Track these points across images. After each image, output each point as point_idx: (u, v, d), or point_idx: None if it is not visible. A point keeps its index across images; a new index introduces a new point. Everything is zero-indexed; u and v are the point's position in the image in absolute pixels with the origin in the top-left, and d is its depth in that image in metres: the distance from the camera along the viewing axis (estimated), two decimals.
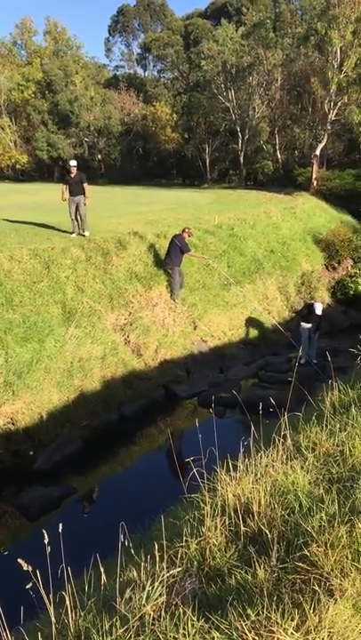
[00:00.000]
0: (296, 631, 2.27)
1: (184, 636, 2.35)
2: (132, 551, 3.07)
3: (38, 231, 12.97)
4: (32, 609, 2.92)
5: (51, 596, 2.59)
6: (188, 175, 39.10)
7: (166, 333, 11.63)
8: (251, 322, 13.79)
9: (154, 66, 48.78)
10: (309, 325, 11.97)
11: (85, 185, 12.36)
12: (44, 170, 40.46)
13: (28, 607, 2.81)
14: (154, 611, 2.54)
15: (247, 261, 15.48)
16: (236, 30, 30.20)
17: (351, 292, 17.23)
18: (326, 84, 23.35)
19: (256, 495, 3.28)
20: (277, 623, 2.28)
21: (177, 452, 7.72)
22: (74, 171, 12.25)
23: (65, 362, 9.49)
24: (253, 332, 13.62)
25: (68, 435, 8.66)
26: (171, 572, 2.73)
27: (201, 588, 2.76)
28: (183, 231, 12.54)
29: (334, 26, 21.63)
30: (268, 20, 28.25)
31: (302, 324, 12.13)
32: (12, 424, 8.33)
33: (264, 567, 2.73)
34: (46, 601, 2.57)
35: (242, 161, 31.32)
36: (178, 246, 12.16)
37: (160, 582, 2.65)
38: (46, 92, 37.83)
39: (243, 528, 3.12)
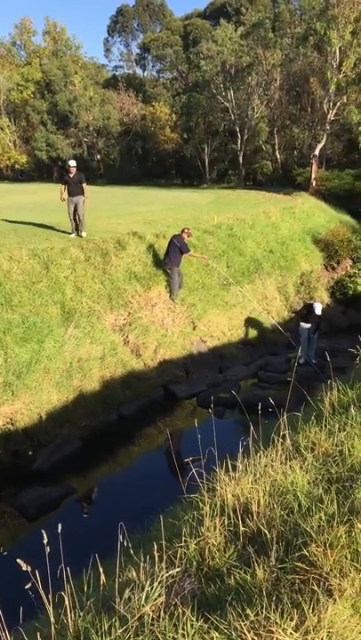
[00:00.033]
0: (295, 631, 2.27)
1: (183, 636, 2.35)
2: (132, 551, 3.07)
3: (37, 231, 12.96)
4: (31, 609, 2.92)
5: (50, 597, 2.60)
6: (187, 175, 39.12)
7: (165, 333, 11.63)
8: (250, 322, 13.79)
9: (153, 66, 48.89)
10: (309, 325, 11.97)
11: (84, 185, 12.34)
12: (43, 170, 40.48)
13: (27, 607, 2.81)
14: (153, 611, 2.54)
15: (246, 261, 15.48)
16: (235, 30, 30.23)
17: (350, 292, 17.23)
18: (325, 84, 23.36)
19: (255, 495, 3.28)
20: (276, 623, 2.28)
21: (176, 453, 7.73)
22: (73, 171, 12.23)
23: (64, 362, 9.49)
24: (253, 333, 13.62)
25: (68, 435, 8.66)
26: (170, 573, 2.73)
27: (200, 588, 2.76)
28: (182, 232, 12.53)
29: (333, 26, 21.65)
30: (268, 20, 28.29)
31: (302, 324, 12.12)
32: (12, 424, 8.33)
33: (263, 567, 2.73)
34: (45, 601, 2.57)
35: (241, 161, 31.33)
36: (177, 246, 12.16)
37: (159, 582, 2.65)
38: (45, 92, 37.85)
39: (242, 528, 3.12)
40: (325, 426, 4.33)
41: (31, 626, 2.96)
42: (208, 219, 16.42)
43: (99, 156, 39.81)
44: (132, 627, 2.43)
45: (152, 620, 2.50)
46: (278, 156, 30.10)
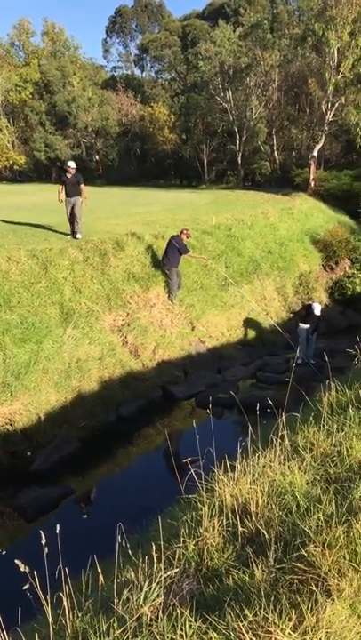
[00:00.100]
0: (293, 631, 2.27)
1: (182, 636, 2.35)
2: (130, 552, 3.07)
3: (36, 232, 12.95)
4: (30, 610, 2.91)
5: (48, 597, 2.59)
6: (185, 176, 39.12)
7: (164, 334, 11.63)
8: (249, 322, 13.79)
9: (151, 67, 48.91)
10: (307, 326, 11.98)
11: (82, 186, 12.33)
12: (41, 170, 40.49)
13: (25, 608, 2.81)
14: (151, 611, 2.54)
15: (245, 262, 15.49)
16: (234, 31, 30.23)
17: (349, 293, 17.25)
18: (324, 84, 23.40)
19: (254, 495, 3.28)
20: (275, 623, 2.28)
21: (175, 453, 7.74)
22: (72, 171, 12.21)
23: (63, 363, 9.48)
24: (251, 333, 13.63)
25: (66, 435, 8.65)
26: (168, 573, 2.73)
27: (198, 588, 2.76)
28: (181, 232, 12.53)
29: (332, 27, 21.68)
30: (266, 21, 28.31)
31: (300, 324, 12.13)
32: (10, 425, 8.32)
33: (261, 567, 2.74)
34: (44, 602, 2.57)
35: (239, 162, 31.34)
36: (176, 247, 12.16)
37: (158, 583, 2.65)
38: (44, 92, 37.86)
39: (240, 528, 3.12)
40: (324, 426, 4.34)
41: (30, 627, 2.96)
42: (207, 219, 16.43)
43: (97, 157, 39.82)
44: (131, 627, 2.43)
45: (150, 620, 2.50)
46: (277, 156, 30.13)
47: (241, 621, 2.32)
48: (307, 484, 3.50)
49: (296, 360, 11.48)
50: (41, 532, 2.73)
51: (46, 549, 2.69)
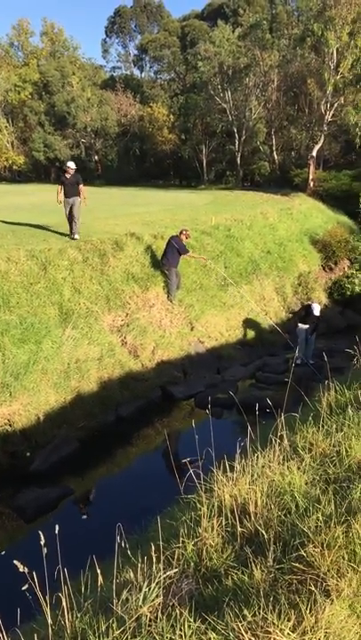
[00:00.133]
0: (292, 632, 2.27)
1: (181, 637, 2.35)
2: (129, 552, 3.07)
3: (35, 232, 12.94)
4: (29, 610, 2.91)
5: (47, 598, 2.59)
6: (184, 176, 39.13)
7: (163, 334, 11.63)
8: (248, 323, 13.80)
9: (150, 67, 48.88)
10: (307, 326, 11.98)
11: (81, 186, 12.31)
12: (40, 171, 40.49)
13: (24, 609, 2.81)
14: (150, 612, 2.54)
15: (244, 262, 15.50)
16: (233, 31, 30.24)
17: (348, 293, 17.26)
18: (323, 85, 23.42)
19: (253, 496, 3.28)
20: (274, 624, 2.28)
21: (174, 453, 7.74)
22: (71, 172, 12.20)
23: (62, 363, 9.48)
24: (250, 333, 13.63)
25: (65, 436, 8.65)
26: (167, 573, 2.73)
27: (198, 588, 2.76)
28: (181, 233, 12.52)
29: (331, 27, 21.71)
30: (265, 22, 28.35)
31: (300, 325, 12.13)
32: (9, 425, 8.32)
33: (261, 568, 2.74)
34: (43, 602, 2.57)
35: (239, 162, 31.36)
36: (175, 247, 12.16)
37: (157, 583, 2.66)
38: (43, 93, 37.85)
39: (239, 529, 3.12)
40: (323, 426, 4.34)
41: (29, 627, 2.96)
42: (206, 220, 16.43)
43: (96, 157, 39.81)
44: (130, 628, 2.43)
45: (150, 620, 2.50)
46: (276, 156, 30.15)
47: (240, 621, 2.32)
48: (306, 484, 3.50)
49: (295, 360, 11.48)
50: (40, 532, 2.73)
51: (45, 550, 2.69)
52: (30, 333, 9.33)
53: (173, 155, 38.26)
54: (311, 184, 25.22)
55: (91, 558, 3.13)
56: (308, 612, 2.35)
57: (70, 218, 12.30)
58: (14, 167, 40.68)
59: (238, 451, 3.80)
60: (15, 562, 2.55)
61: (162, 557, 2.86)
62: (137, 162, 39.63)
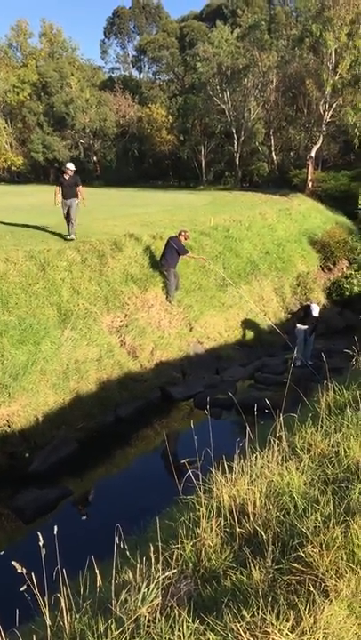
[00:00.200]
0: (291, 632, 2.27)
1: (179, 637, 2.35)
2: (128, 553, 3.07)
3: (33, 233, 12.94)
4: (27, 611, 2.91)
5: (46, 599, 2.59)
6: (183, 177, 39.11)
7: (162, 335, 11.63)
8: (247, 323, 13.80)
9: (149, 68, 48.85)
10: (305, 327, 11.98)
11: (80, 188, 12.31)
12: (39, 172, 40.48)
13: (23, 610, 2.80)
14: (149, 612, 2.54)
15: (243, 263, 15.50)
16: (232, 32, 30.26)
17: (347, 293, 17.27)
18: (321, 85, 23.44)
19: (251, 496, 3.28)
20: (272, 624, 2.29)
21: (173, 454, 7.72)
22: (70, 173, 12.20)
23: (61, 364, 9.48)
24: (249, 334, 13.63)
25: (64, 437, 8.64)
26: (166, 574, 2.73)
27: (196, 589, 2.76)
28: (180, 234, 12.52)
29: (329, 28, 21.74)
30: (263, 22, 28.40)
31: (298, 325, 12.13)
32: (8, 426, 8.31)
33: (259, 568, 2.74)
34: (41, 603, 2.57)
35: (237, 162, 31.37)
36: (174, 248, 12.16)
37: (155, 584, 2.65)
38: (42, 93, 37.86)
39: (238, 529, 3.13)
40: (321, 427, 4.34)
41: (27, 628, 2.96)
42: (204, 220, 16.44)
43: (95, 158, 39.81)
44: (129, 628, 2.43)
45: (148, 621, 2.49)
46: (275, 157, 30.17)
47: (239, 622, 2.32)
48: (304, 484, 3.51)
49: (294, 361, 11.48)
50: (39, 533, 2.73)
51: (44, 551, 2.69)
52: (29, 334, 9.33)
53: (172, 155, 38.26)
54: (310, 184, 25.23)
55: (89, 559, 3.13)
56: (306, 612, 2.35)
57: (68, 218, 12.31)
58: (13, 168, 40.68)
59: (237, 451, 3.80)
60: (14, 563, 2.55)
61: (161, 558, 2.86)
62: (136, 163, 39.64)
